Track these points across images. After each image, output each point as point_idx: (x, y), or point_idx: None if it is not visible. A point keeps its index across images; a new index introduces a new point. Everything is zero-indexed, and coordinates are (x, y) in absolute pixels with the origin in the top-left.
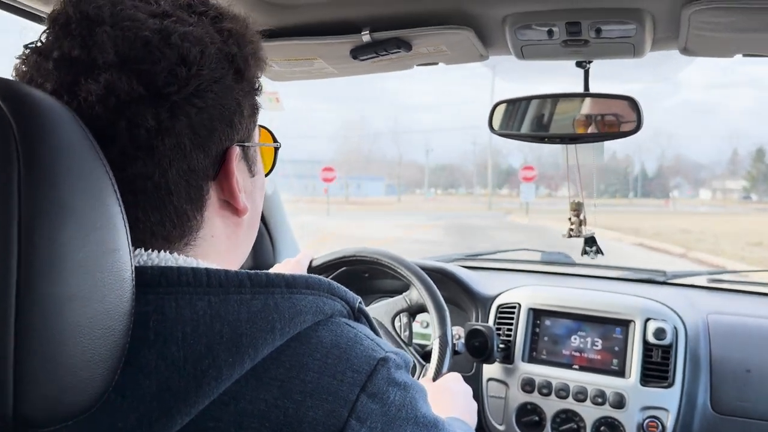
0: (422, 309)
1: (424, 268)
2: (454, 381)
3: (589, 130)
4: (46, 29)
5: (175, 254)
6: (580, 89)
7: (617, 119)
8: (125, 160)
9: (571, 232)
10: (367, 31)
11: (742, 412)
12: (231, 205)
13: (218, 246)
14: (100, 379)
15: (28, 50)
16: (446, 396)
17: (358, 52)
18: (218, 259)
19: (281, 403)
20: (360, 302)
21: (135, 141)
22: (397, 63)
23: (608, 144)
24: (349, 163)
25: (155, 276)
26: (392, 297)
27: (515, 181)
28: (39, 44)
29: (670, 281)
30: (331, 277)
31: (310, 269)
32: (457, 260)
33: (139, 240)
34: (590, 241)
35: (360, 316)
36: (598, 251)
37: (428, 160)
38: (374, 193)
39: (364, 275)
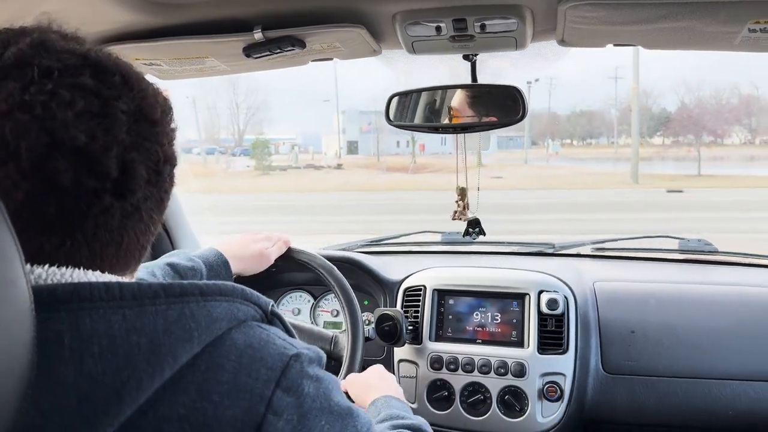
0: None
1: (332, 259)
2: (377, 375)
3: (462, 120)
4: None
5: (89, 272)
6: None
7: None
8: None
9: (455, 215)
10: (260, 30)
11: (629, 370)
12: None
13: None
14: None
15: None
16: (372, 392)
17: (251, 50)
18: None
19: (200, 405)
20: (272, 305)
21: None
22: (292, 59)
23: None
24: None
25: (67, 293)
26: (301, 289)
27: (675, 128)
28: None
29: (558, 252)
30: None
31: None
32: (362, 247)
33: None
34: (473, 223)
35: (273, 318)
36: (481, 232)
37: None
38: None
39: (272, 269)
